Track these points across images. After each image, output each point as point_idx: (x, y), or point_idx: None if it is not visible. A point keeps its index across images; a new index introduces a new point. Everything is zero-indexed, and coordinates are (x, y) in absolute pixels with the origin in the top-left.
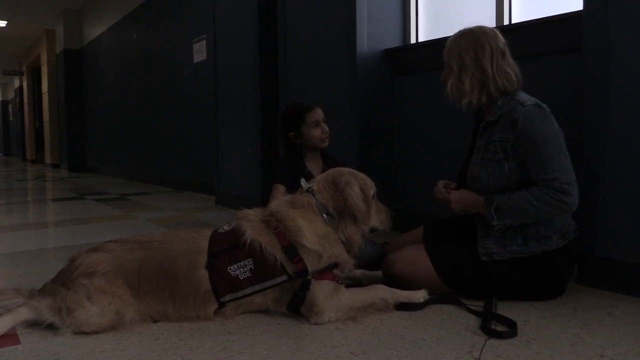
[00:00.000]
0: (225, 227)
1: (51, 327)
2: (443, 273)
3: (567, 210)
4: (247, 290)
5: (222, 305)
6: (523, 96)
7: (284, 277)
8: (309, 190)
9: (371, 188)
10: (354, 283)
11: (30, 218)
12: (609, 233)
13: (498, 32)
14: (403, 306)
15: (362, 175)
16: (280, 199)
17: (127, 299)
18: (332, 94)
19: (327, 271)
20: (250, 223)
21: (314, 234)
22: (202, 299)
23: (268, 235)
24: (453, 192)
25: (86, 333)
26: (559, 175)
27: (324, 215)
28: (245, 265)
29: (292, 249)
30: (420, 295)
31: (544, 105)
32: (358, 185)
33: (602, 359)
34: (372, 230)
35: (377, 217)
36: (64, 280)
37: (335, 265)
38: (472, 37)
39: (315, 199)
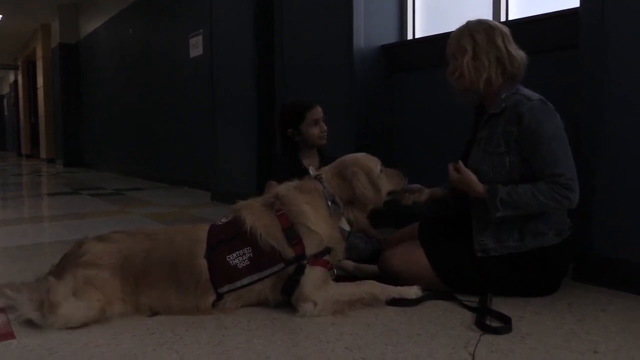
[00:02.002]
0: (223, 220)
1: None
2: (442, 273)
3: (569, 207)
4: (245, 281)
5: (220, 297)
6: (528, 91)
7: (281, 265)
8: (317, 177)
9: (376, 167)
10: (348, 276)
11: (25, 213)
12: (608, 232)
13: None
14: (395, 302)
15: (365, 161)
16: (287, 184)
17: (118, 298)
18: (330, 94)
19: (320, 257)
20: (248, 209)
21: (318, 219)
22: (202, 288)
23: (269, 217)
24: (454, 172)
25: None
26: (565, 171)
27: (329, 203)
28: (244, 254)
29: (292, 232)
30: (412, 292)
31: (548, 102)
32: (364, 173)
33: (596, 355)
34: (390, 193)
35: (391, 183)
36: (65, 265)
37: (328, 250)
38: (479, 22)
39: (323, 186)
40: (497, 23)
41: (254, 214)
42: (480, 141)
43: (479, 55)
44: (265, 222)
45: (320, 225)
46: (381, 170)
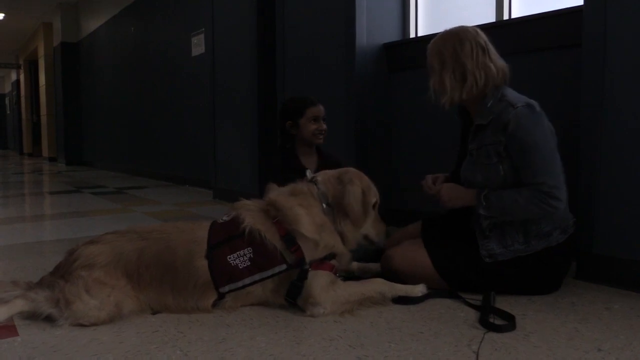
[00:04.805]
0: (224, 218)
1: (49, 320)
2: (444, 272)
3: (552, 213)
4: (247, 280)
5: (221, 296)
6: (513, 96)
7: (284, 267)
8: (313, 180)
9: (374, 196)
10: (351, 275)
11: (27, 211)
12: (609, 231)
13: (479, 30)
14: (401, 300)
15: (369, 181)
16: (279, 189)
17: (126, 291)
18: (330, 91)
19: (324, 261)
20: (249, 212)
21: (311, 223)
22: (201, 289)
23: (267, 224)
24: (443, 186)
25: (84, 325)
26: (547, 180)
27: (324, 205)
28: (245, 255)
29: (290, 238)
30: (418, 290)
31: (534, 103)
32: (360, 187)
33: (599, 353)
34: (366, 238)
35: (373, 228)
36: (63, 273)
37: (332, 255)
38: (451, 35)
39: (318, 187)
40: (471, 34)
41: (253, 218)
42: (471, 152)
43: (444, 76)
44: (263, 229)
45: (312, 229)
46: (374, 206)
